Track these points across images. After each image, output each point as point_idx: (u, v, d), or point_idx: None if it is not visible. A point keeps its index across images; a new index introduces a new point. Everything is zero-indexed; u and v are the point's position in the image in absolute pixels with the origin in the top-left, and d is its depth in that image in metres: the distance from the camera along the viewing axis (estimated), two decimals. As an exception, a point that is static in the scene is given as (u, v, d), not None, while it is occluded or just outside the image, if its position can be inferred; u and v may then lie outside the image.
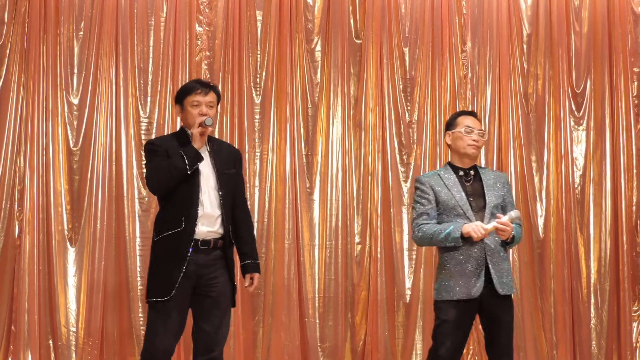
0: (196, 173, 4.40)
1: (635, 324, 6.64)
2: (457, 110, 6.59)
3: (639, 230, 6.71)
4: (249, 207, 4.80)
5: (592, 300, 6.63)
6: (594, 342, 6.60)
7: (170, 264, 4.35)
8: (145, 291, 4.47)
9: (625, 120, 6.74)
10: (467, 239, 4.36)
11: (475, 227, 4.33)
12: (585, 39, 6.80)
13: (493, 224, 4.36)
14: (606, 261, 6.66)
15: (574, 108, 6.78)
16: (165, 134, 6.29)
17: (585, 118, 6.79)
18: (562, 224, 6.59)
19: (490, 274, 4.41)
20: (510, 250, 6.49)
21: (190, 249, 4.35)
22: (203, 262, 4.39)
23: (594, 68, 6.80)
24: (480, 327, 6.29)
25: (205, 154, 4.48)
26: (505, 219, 4.37)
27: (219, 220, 4.46)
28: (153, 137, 6.29)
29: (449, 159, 4.66)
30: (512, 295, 4.53)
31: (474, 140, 4.55)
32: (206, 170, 4.46)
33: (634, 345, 6.62)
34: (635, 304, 6.67)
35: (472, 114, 4.72)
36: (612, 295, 6.65)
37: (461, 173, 4.57)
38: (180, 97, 4.55)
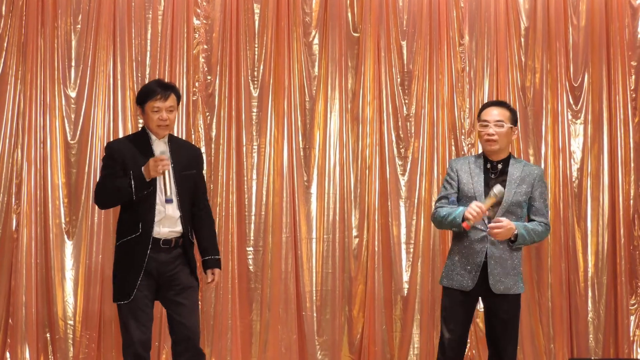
0: (154, 177, 4.51)
1: (632, 318, 6.65)
2: (455, 104, 6.62)
3: (636, 224, 6.71)
4: (210, 205, 4.98)
5: (590, 294, 6.64)
6: (591, 336, 6.60)
7: (129, 268, 4.56)
8: (112, 294, 4.69)
9: (622, 113, 6.74)
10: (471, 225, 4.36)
11: (470, 208, 4.31)
12: (582, 33, 6.80)
13: (487, 202, 4.34)
14: (603, 255, 6.66)
15: (571, 101, 6.78)
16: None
17: (583, 112, 6.78)
18: (559, 218, 6.59)
19: (487, 272, 4.42)
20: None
21: (148, 251, 4.51)
22: (164, 259, 4.58)
23: (591, 62, 6.79)
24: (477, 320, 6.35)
25: (165, 154, 4.57)
26: (487, 202, 4.34)
27: (179, 220, 4.61)
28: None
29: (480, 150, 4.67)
30: (518, 294, 4.54)
31: (488, 134, 4.49)
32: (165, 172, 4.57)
33: (631, 338, 6.63)
34: (633, 297, 6.67)
35: (492, 104, 4.66)
36: (609, 288, 6.65)
37: (488, 165, 4.54)
38: (141, 100, 4.64)
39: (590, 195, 6.71)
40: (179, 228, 4.61)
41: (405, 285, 6.50)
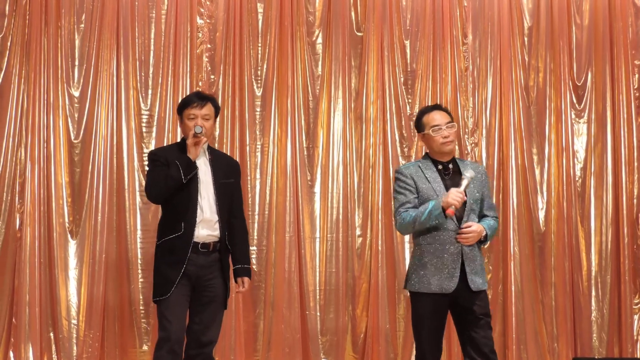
0: (195, 181, 4.68)
1: (636, 317, 6.65)
2: (458, 103, 6.61)
3: (639, 223, 6.71)
4: (244, 210, 5.07)
5: (593, 293, 6.64)
6: (594, 335, 6.60)
7: (170, 266, 4.64)
8: (152, 293, 4.74)
9: (626, 112, 6.75)
10: (447, 215, 4.36)
11: (450, 195, 4.33)
12: (586, 32, 6.80)
13: (465, 182, 4.39)
14: (607, 254, 6.66)
15: (574, 101, 6.79)
16: (167, 127, 6.35)
17: (586, 111, 6.79)
18: (563, 217, 6.59)
19: (465, 270, 4.43)
20: (511, 243, 6.52)
21: (189, 252, 4.61)
22: (203, 263, 4.67)
23: (595, 61, 6.80)
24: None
25: (205, 163, 4.76)
26: (464, 184, 4.39)
27: (217, 224, 4.71)
28: (154, 129, 6.38)
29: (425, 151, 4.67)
30: (486, 289, 4.55)
31: (444, 136, 4.52)
32: (205, 178, 4.73)
33: (635, 337, 6.63)
34: (636, 296, 6.67)
35: (434, 108, 4.67)
36: (612, 287, 6.65)
37: (440, 167, 4.57)
38: (180, 109, 4.81)
39: (594, 194, 6.71)
40: (217, 232, 4.70)
41: (409, 285, 6.49)
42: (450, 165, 4.58)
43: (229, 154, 6.31)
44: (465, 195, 4.41)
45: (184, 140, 4.79)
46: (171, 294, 4.58)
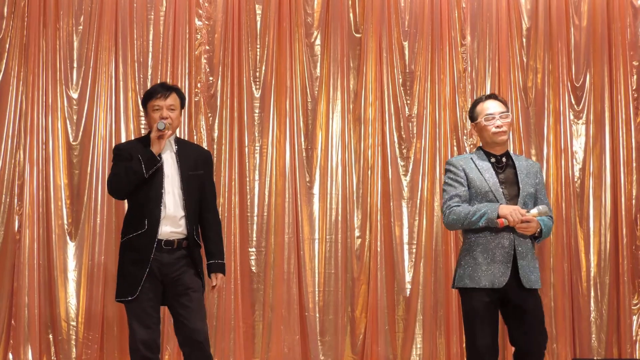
0: (159, 175, 4.56)
1: (635, 317, 6.65)
2: (457, 104, 6.62)
3: (638, 224, 6.71)
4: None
5: (592, 294, 6.64)
6: (593, 336, 6.60)
7: (134, 265, 4.55)
8: (115, 292, 4.68)
9: (624, 113, 6.75)
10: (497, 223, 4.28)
11: (513, 211, 4.25)
12: (584, 33, 6.81)
13: (533, 211, 4.29)
14: (606, 254, 6.66)
15: (573, 102, 6.79)
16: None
17: (585, 112, 6.79)
18: (561, 218, 6.59)
19: (517, 266, 4.34)
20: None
21: (153, 250, 4.51)
22: (167, 261, 4.57)
23: (593, 62, 6.80)
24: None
25: (172, 156, 4.65)
26: (533, 212, 4.29)
27: (183, 220, 4.60)
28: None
29: (480, 145, 4.59)
30: (539, 287, 4.45)
31: (497, 126, 4.44)
32: (171, 172, 4.62)
33: (634, 338, 6.63)
34: (635, 297, 6.68)
35: (489, 97, 4.59)
36: (611, 288, 6.65)
37: (493, 160, 4.48)
38: (144, 101, 4.72)
39: (593, 195, 6.72)
40: (181, 229, 4.60)
41: (408, 286, 6.50)
42: (504, 159, 4.49)
43: (223, 154, 6.34)
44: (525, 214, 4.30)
45: (149, 134, 4.66)
46: (138, 295, 4.50)
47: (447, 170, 4.53)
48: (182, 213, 4.60)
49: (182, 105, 4.75)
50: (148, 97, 4.67)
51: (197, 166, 4.71)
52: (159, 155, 4.54)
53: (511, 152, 4.63)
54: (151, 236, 4.52)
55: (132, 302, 4.54)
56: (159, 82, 6.33)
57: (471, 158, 4.51)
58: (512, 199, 4.40)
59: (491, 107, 4.49)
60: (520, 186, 4.41)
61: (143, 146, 4.60)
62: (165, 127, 4.51)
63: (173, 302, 4.62)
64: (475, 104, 4.59)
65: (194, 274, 4.63)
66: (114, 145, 6.27)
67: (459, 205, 4.41)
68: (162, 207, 4.55)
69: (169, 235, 4.57)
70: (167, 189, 4.58)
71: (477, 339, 4.34)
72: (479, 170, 4.43)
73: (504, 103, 4.57)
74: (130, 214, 4.66)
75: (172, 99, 4.64)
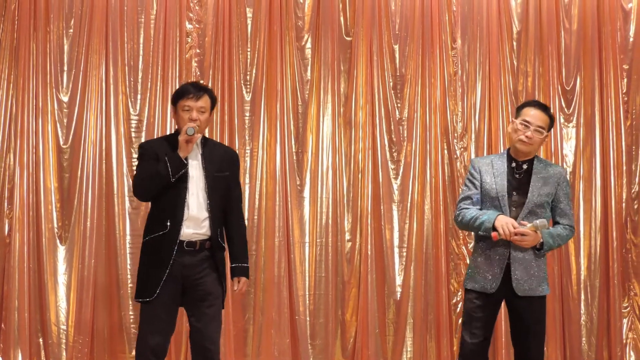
0: (184, 176, 4.48)
1: (625, 320, 6.66)
2: (447, 107, 6.62)
3: (628, 227, 6.72)
4: (243, 211, 4.83)
5: (582, 297, 6.64)
6: (584, 339, 6.61)
7: (155, 266, 4.47)
8: (134, 292, 4.59)
9: (614, 117, 6.75)
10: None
11: (505, 223, 4.29)
12: (575, 36, 6.81)
13: (529, 225, 4.32)
14: (596, 258, 6.67)
15: (563, 105, 6.80)
16: (156, 132, 6.32)
17: (575, 115, 6.80)
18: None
19: (510, 273, 4.39)
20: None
21: (175, 251, 4.44)
22: (188, 263, 4.48)
23: (583, 65, 6.80)
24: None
25: (197, 157, 4.56)
26: (528, 227, 4.32)
27: (206, 222, 4.52)
28: (143, 134, 6.36)
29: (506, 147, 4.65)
30: (543, 295, 4.48)
31: (527, 136, 4.43)
32: (196, 173, 4.53)
33: (624, 341, 6.64)
34: (625, 300, 6.69)
35: (539, 106, 4.56)
36: (602, 291, 6.66)
37: (513, 164, 4.50)
38: (175, 99, 4.60)
39: (583, 198, 6.72)
40: (204, 230, 4.52)
41: (398, 289, 6.50)
42: (525, 165, 4.48)
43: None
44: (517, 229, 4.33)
45: (177, 132, 4.60)
46: (155, 298, 4.43)
47: (468, 169, 4.63)
48: (205, 215, 4.52)
49: (213, 108, 4.66)
50: (179, 96, 4.56)
51: (223, 167, 4.63)
52: (185, 158, 4.47)
53: (541, 157, 4.61)
54: (173, 237, 4.45)
55: (148, 304, 4.45)
56: (149, 86, 6.39)
57: (492, 160, 4.55)
58: (518, 206, 4.42)
59: (532, 114, 4.48)
60: (529, 195, 4.42)
61: (169, 146, 4.52)
62: (194, 134, 4.42)
63: (191, 306, 4.54)
64: (525, 104, 4.60)
65: (216, 278, 4.56)
66: (104, 148, 6.30)
67: (468, 208, 4.49)
68: (185, 209, 4.47)
69: (191, 237, 4.49)
70: (191, 190, 4.50)
71: (468, 339, 4.47)
72: (493, 173, 4.48)
73: (550, 118, 4.54)
74: (153, 215, 4.58)
75: (204, 101, 4.55)
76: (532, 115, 4.48)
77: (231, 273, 4.70)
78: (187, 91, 4.55)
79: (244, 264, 4.69)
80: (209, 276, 4.53)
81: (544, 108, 4.57)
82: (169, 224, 4.46)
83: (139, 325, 4.53)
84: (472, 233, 5.53)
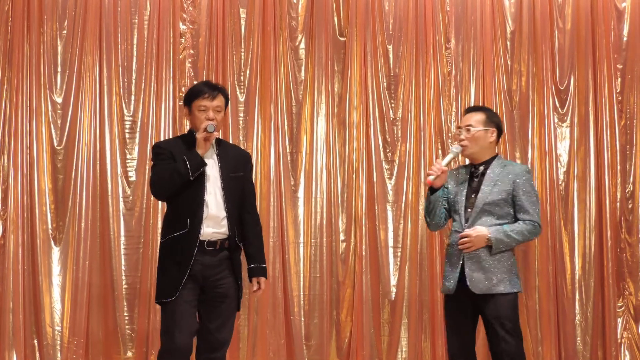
0: (202, 175, 4.43)
1: (620, 320, 6.66)
2: (441, 107, 6.63)
3: (623, 226, 6.72)
4: (258, 210, 4.81)
5: (577, 297, 6.65)
6: (578, 338, 6.61)
7: (176, 266, 4.40)
8: (155, 293, 4.52)
9: (609, 116, 6.76)
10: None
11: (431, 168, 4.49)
12: (568, 36, 6.81)
13: (448, 157, 4.47)
14: (591, 257, 6.67)
15: (557, 105, 6.80)
16: (150, 133, 6.33)
17: (569, 114, 6.80)
18: (546, 221, 6.59)
19: (465, 271, 4.43)
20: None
21: (195, 251, 4.38)
22: (209, 262, 4.43)
23: (577, 65, 6.80)
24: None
25: (213, 156, 4.53)
26: (445, 160, 4.46)
27: (225, 221, 4.48)
28: (137, 135, 6.36)
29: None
30: (506, 293, 4.43)
31: (460, 140, 4.53)
32: (212, 173, 4.48)
33: (619, 341, 6.64)
34: (620, 299, 6.69)
35: (468, 109, 4.69)
36: (596, 291, 6.66)
37: (472, 169, 4.57)
38: (189, 99, 4.56)
39: (577, 197, 6.73)
40: (224, 229, 4.47)
41: (393, 289, 6.50)
42: (481, 168, 4.52)
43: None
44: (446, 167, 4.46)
45: (190, 132, 4.57)
46: (177, 297, 4.34)
47: None
48: (224, 214, 4.47)
49: (226, 106, 4.64)
50: (194, 96, 4.51)
51: (238, 168, 4.60)
52: (203, 157, 4.43)
53: (503, 158, 4.65)
54: (193, 236, 4.39)
55: (170, 305, 4.37)
56: (143, 87, 6.38)
57: (458, 170, 4.65)
58: (471, 207, 4.47)
59: (462, 120, 4.62)
60: (479, 195, 4.46)
61: (185, 146, 4.48)
62: (215, 129, 4.40)
63: (207, 307, 4.48)
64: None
65: (233, 280, 4.51)
66: (98, 149, 6.30)
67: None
68: (204, 207, 4.42)
69: (211, 236, 4.43)
70: (209, 189, 4.44)
71: (449, 342, 4.58)
72: (457, 182, 4.57)
73: (486, 113, 4.58)
74: (171, 214, 4.51)
75: (219, 100, 4.52)
76: (462, 120, 4.62)
77: (249, 274, 4.64)
78: (202, 91, 4.51)
79: (262, 264, 4.63)
80: (228, 278, 4.49)
81: (474, 108, 4.68)
82: (188, 222, 4.40)
83: (163, 327, 4.43)
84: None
